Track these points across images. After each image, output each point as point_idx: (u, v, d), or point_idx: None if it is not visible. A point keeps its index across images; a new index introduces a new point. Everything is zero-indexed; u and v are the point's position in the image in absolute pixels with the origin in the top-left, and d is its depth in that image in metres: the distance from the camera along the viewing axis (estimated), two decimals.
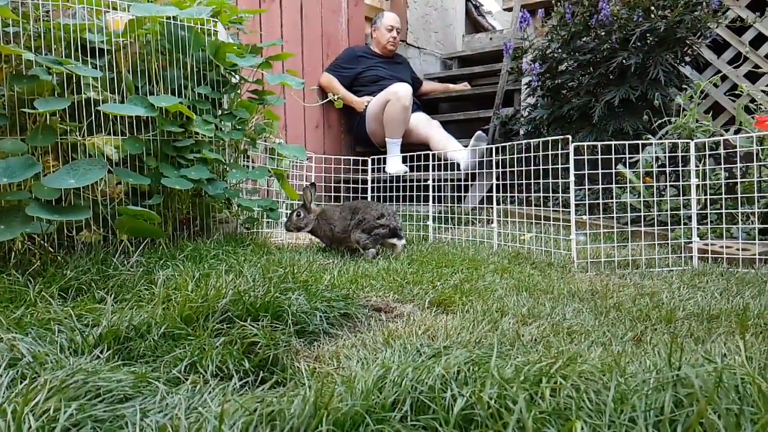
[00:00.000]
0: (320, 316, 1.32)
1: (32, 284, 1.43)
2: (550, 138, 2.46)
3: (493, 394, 0.80)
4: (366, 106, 4.35)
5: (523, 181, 2.62)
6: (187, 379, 0.97)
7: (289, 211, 2.73)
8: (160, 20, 2.06)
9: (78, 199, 1.81)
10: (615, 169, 2.42)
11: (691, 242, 2.31)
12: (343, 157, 3.33)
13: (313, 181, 3.03)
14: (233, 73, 2.36)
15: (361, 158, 3.52)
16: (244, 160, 2.49)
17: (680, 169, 2.37)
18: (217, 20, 2.25)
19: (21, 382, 0.90)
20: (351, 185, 3.89)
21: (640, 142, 2.59)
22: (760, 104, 3.13)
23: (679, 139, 2.81)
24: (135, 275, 1.60)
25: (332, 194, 3.85)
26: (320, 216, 2.48)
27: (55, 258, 1.70)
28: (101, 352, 1.07)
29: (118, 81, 1.97)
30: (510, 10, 4.56)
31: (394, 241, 2.38)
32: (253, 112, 2.41)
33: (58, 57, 1.83)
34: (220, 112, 2.31)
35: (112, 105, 1.89)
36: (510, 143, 2.71)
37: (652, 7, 3.27)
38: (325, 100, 3.74)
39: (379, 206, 2.45)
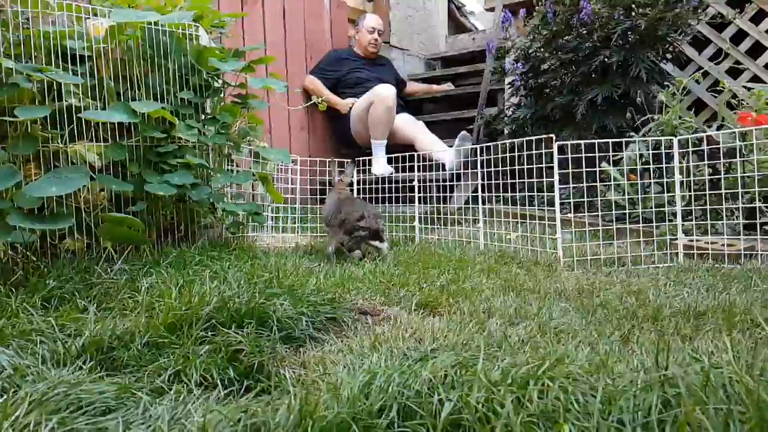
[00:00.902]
0: (306, 321, 1.31)
1: (14, 294, 1.41)
2: (534, 137, 2.47)
3: (480, 397, 0.80)
4: (350, 108, 4.34)
5: (508, 181, 2.62)
6: (170, 390, 0.96)
7: (273, 215, 2.80)
8: (142, 26, 2.04)
9: (61, 207, 1.78)
10: (599, 167, 2.43)
11: (677, 239, 2.33)
12: (328, 160, 3.31)
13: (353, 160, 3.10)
14: (216, 78, 2.34)
15: (346, 160, 3.51)
16: (228, 165, 2.47)
17: (664, 166, 2.39)
18: (198, 25, 2.23)
19: (1, 396, 0.88)
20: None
21: (623, 140, 2.61)
22: (742, 100, 3.18)
23: (662, 136, 2.83)
24: (118, 283, 1.58)
25: (318, 197, 3.83)
26: (334, 191, 2.68)
27: (38, 267, 1.68)
28: (84, 363, 1.05)
29: (100, 87, 1.94)
30: (492, 10, 4.58)
31: (376, 243, 2.36)
32: (237, 116, 2.39)
33: (39, 64, 1.80)
34: (203, 116, 2.29)
35: (93, 112, 1.87)
36: (494, 143, 2.72)
37: (633, 5, 3.30)
38: (309, 103, 3.73)
39: (362, 206, 2.46)
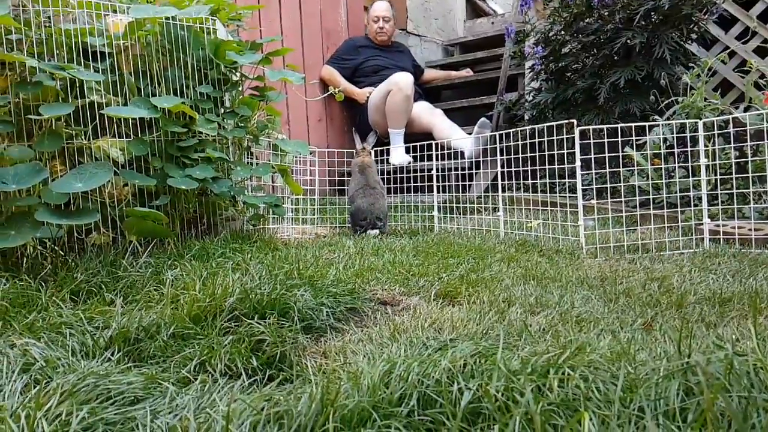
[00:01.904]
0: (326, 312, 1.32)
1: (44, 288, 1.45)
2: (554, 123, 2.44)
3: (500, 386, 0.80)
4: (368, 97, 4.33)
5: (529, 168, 2.60)
6: (196, 379, 0.98)
7: (293, 207, 3.01)
8: (160, 21, 2.06)
9: (86, 203, 1.82)
10: (622, 152, 2.39)
11: (702, 224, 2.28)
12: (346, 150, 3.32)
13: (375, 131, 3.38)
14: (234, 71, 2.35)
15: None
16: (247, 157, 2.50)
17: (689, 149, 2.34)
18: (215, 18, 2.25)
19: (34, 387, 0.91)
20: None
21: (646, 123, 2.56)
22: None
23: (687, 118, 2.77)
24: (144, 276, 1.61)
25: (336, 187, 3.85)
26: (359, 160, 3.04)
27: (66, 261, 1.72)
28: (112, 355, 1.08)
29: (121, 83, 1.97)
30: None
31: (374, 232, 2.82)
32: (255, 109, 2.41)
33: (61, 62, 1.84)
34: (222, 110, 2.31)
35: (115, 108, 1.90)
36: (514, 129, 2.70)
37: None
38: (326, 94, 3.73)
39: (366, 202, 2.87)
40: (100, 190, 1.87)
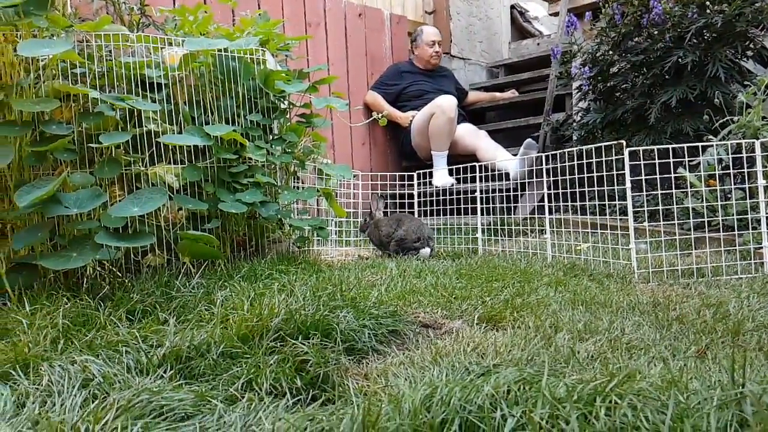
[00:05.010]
0: (369, 334, 1.33)
1: (102, 308, 1.52)
2: (602, 144, 2.39)
3: (544, 414, 0.79)
4: (411, 120, 4.37)
5: (576, 189, 2.55)
6: (243, 397, 1.00)
7: (337, 229, 3.05)
8: (213, 53, 2.16)
9: (143, 226, 1.91)
10: (675, 173, 2.32)
11: (762, 247, 2.18)
12: (389, 173, 3.36)
13: (381, 194, 3.39)
14: (282, 99, 2.44)
15: (407, 173, 3.54)
16: (294, 182, 2.56)
17: (746, 170, 2.25)
18: (265, 49, 2.34)
19: (93, 401, 0.95)
20: (398, 200, 3.91)
21: (699, 144, 2.48)
22: None
23: (743, 138, 2.67)
24: (196, 296, 1.67)
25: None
26: (374, 224, 2.98)
27: (123, 282, 1.80)
28: (164, 372, 1.12)
29: (176, 113, 2.07)
30: (556, 15, 4.49)
31: (425, 251, 2.86)
32: (302, 135, 2.48)
33: (120, 93, 1.95)
34: (270, 137, 2.39)
35: (171, 136, 1.99)
36: (561, 151, 2.66)
37: (708, 2, 3.14)
38: (369, 119, 3.79)
39: (413, 225, 2.88)
40: (156, 213, 1.96)
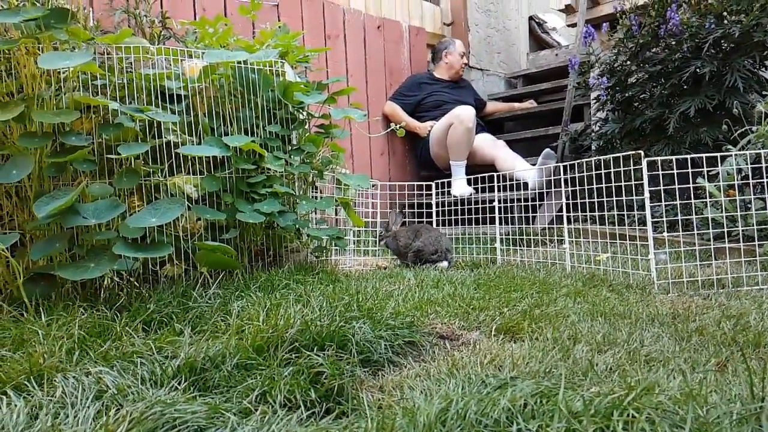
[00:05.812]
0: (385, 345, 1.32)
1: (119, 318, 1.52)
2: (621, 154, 2.37)
3: (561, 428, 0.77)
4: (429, 130, 4.38)
5: (595, 199, 2.52)
6: (257, 410, 1.00)
7: (355, 239, 3.07)
8: (232, 65, 2.19)
9: (161, 236, 1.92)
10: (694, 183, 2.28)
11: None
12: (407, 183, 3.36)
13: (399, 210, 3.45)
14: (301, 110, 2.45)
15: (425, 183, 3.53)
16: (312, 192, 2.57)
17: (766, 180, 2.20)
18: (284, 61, 2.36)
19: (106, 413, 0.95)
20: (416, 210, 3.91)
21: (718, 154, 2.44)
22: None
23: (763, 148, 2.62)
24: (212, 306, 1.67)
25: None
26: (393, 234, 3.03)
27: (140, 292, 1.81)
28: (179, 384, 1.11)
29: (195, 124, 2.10)
30: (574, 26, 4.47)
31: (442, 264, 2.85)
32: (320, 146, 2.49)
33: (140, 105, 1.98)
34: (289, 147, 2.40)
35: (190, 147, 2.02)
36: (579, 161, 2.63)
37: (725, 13, 3.10)
38: (388, 130, 3.81)
39: (432, 236, 2.88)
40: (174, 224, 1.97)
